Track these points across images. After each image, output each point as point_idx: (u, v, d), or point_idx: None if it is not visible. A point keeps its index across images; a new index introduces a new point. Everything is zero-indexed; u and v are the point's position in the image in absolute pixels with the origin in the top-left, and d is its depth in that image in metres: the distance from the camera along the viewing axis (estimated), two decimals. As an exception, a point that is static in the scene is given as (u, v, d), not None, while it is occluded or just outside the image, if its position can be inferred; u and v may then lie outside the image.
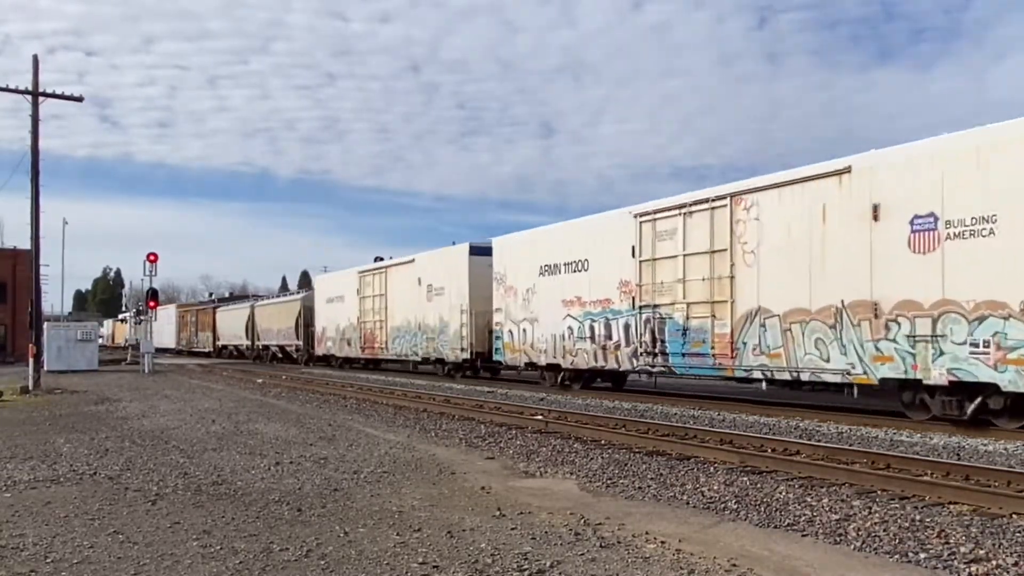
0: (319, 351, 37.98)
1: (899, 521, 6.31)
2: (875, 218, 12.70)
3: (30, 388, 22.96)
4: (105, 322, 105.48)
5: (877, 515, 6.51)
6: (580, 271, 19.81)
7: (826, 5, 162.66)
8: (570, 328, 20.04)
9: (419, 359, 28.54)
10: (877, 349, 12.64)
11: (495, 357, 23.80)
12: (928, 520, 6.34)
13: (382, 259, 34.13)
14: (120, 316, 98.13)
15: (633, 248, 17.79)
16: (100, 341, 56.26)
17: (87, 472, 9.00)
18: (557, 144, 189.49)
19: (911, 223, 12.18)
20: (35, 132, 24.12)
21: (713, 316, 15.71)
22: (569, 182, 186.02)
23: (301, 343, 40.82)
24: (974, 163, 11.44)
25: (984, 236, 11.25)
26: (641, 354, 17.56)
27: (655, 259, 17.25)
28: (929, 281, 11.89)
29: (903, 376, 12.32)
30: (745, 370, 15.08)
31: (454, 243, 28.10)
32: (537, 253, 21.55)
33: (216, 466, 9.30)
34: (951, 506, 6.85)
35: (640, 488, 7.86)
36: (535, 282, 21.52)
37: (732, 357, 15.25)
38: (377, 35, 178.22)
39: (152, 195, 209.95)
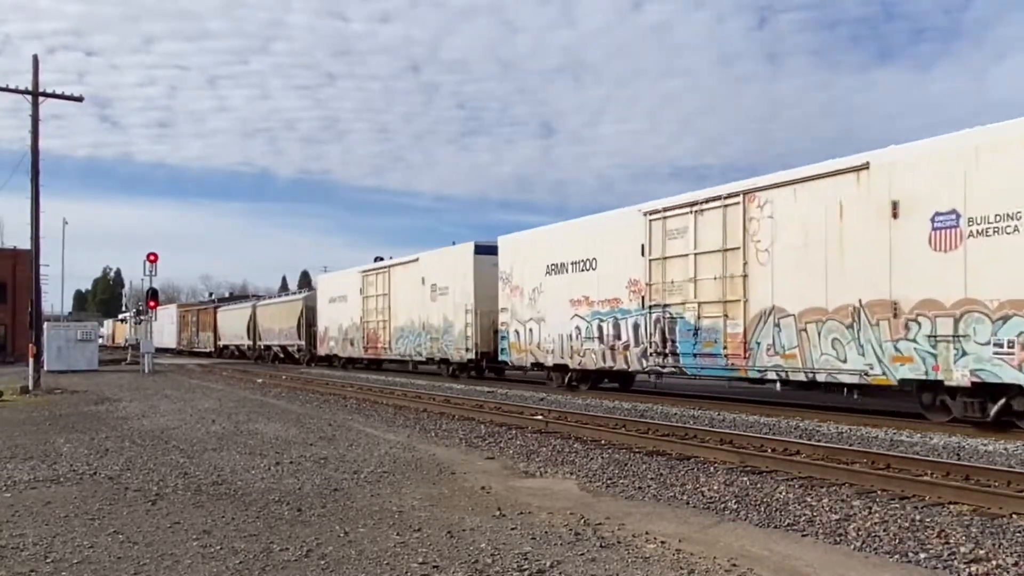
0: (321, 351, 37.76)
1: (899, 521, 6.31)
2: (894, 215, 12.45)
3: (30, 388, 22.96)
4: (105, 322, 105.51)
5: (877, 515, 6.51)
6: (588, 270, 19.56)
7: (826, 5, 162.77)
8: (578, 328, 19.80)
9: (423, 359, 28.31)
10: (896, 349, 12.39)
11: (501, 357, 23.56)
12: (928, 520, 6.34)
13: (382, 259, 34.03)
14: (120, 316, 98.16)
15: (643, 247, 17.56)
16: (100, 341, 56.28)
17: (87, 472, 9.00)
18: (557, 144, 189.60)
19: (932, 220, 11.92)
20: (35, 132, 24.13)
21: (725, 316, 15.48)
22: (569, 182, 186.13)
23: (303, 343, 40.63)
24: (998, 159, 11.18)
25: (1009, 233, 11.01)
26: (651, 354, 17.33)
27: (665, 258, 17.03)
28: (951, 280, 11.63)
29: (923, 377, 12.07)
30: (759, 371, 14.83)
31: (454, 243, 28.01)
32: (544, 252, 21.30)
33: (216, 466, 9.30)
34: (951, 506, 6.85)
35: (640, 488, 7.86)
36: (542, 281, 21.27)
37: (745, 357, 15.03)
38: (377, 35, 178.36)
39: (152, 195, 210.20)
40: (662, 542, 5.73)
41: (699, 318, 16.11)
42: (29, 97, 24.04)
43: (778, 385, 14.75)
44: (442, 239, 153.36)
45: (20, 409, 17.67)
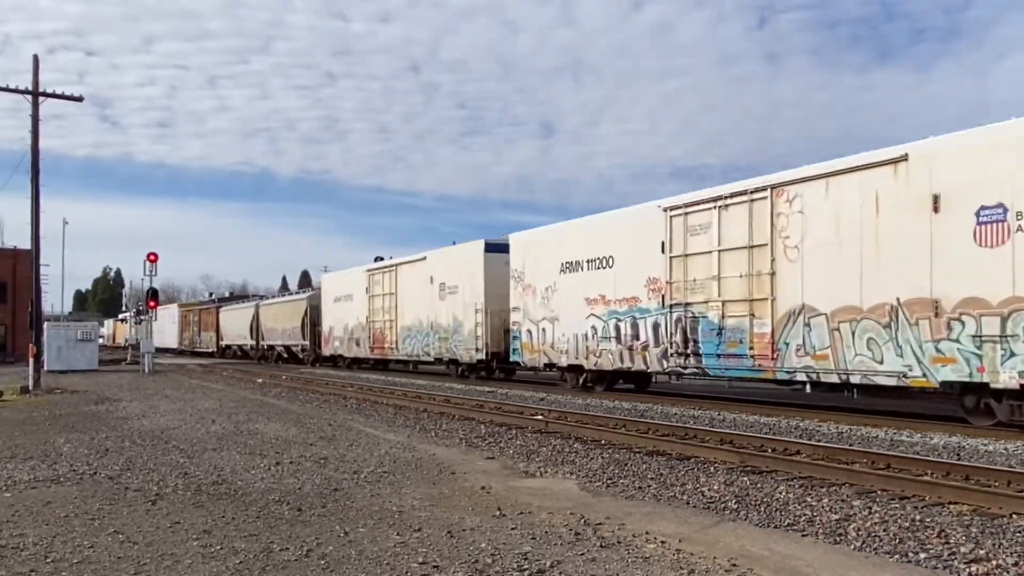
0: (326, 351, 37.29)
1: (899, 521, 6.31)
2: (935, 209, 11.90)
3: (30, 388, 22.97)
4: (106, 322, 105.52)
5: (877, 515, 6.51)
6: (604, 268, 19.01)
7: (826, 5, 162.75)
8: (593, 328, 19.30)
9: (431, 359, 27.88)
10: (938, 350, 11.86)
11: (512, 358, 23.02)
12: (928, 520, 6.34)
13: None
14: (120, 316, 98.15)
15: (663, 243, 16.99)
16: (100, 341, 56.25)
17: (87, 472, 9.01)
18: (557, 144, 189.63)
19: (977, 214, 11.38)
20: (35, 132, 24.13)
21: (752, 315, 14.95)
22: (569, 182, 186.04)
23: (307, 343, 40.26)
24: None
25: None
26: (672, 355, 16.81)
27: (687, 255, 16.48)
28: (998, 276, 11.09)
29: (967, 379, 11.53)
30: (788, 372, 14.27)
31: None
32: (558, 249, 20.75)
33: (216, 466, 9.30)
34: (951, 506, 6.85)
35: (640, 488, 7.86)
36: (556, 280, 20.73)
37: (773, 358, 14.49)
38: (377, 35, 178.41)
39: (152, 195, 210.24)
40: (662, 542, 5.73)
41: (723, 317, 15.57)
42: (29, 97, 24.05)
43: (808, 387, 14.19)
44: (442, 239, 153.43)
45: (20, 409, 17.68)
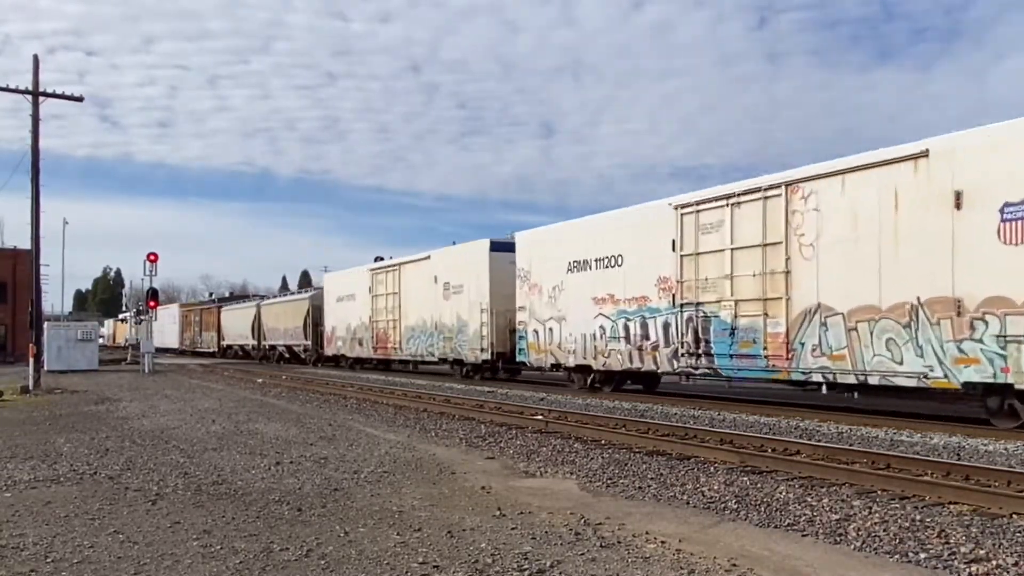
0: (329, 351, 37.05)
1: (899, 521, 6.31)
2: (957, 206, 11.62)
3: (30, 388, 22.97)
4: (106, 322, 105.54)
5: (877, 515, 6.51)
6: (613, 267, 18.74)
7: (826, 5, 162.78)
8: (602, 327, 19.02)
9: (435, 360, 27.62)
10: (960, 350, 11.59)
11: (518, 358, 22.72)
12: (928, 520, 6.34)
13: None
14: (120, 316, 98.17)
15: (673, 242, 16.71)
16: (101, 341, 56.23)
17: (87, 472, 9.01)
18: (557, 144, 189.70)
19: (1001, 211, 11.13)
20: (35, 132, 24.14)
21: (765, 314, 14.69)
22: (569, 182, 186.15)
23: (310, 343, 40.00)
24: None
25: None
26: (682, 355, 16.52)
27: (698, 253, 16.19)
28: (1023, 275, 10.89)
29: (991, 380, 11.29)
30: (803, 373, 14.00)
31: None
32: (565, 248, 20.46)
33: (216, 466, 9.30)
34: (951, 506, 6.85)
35: (640, 488, 7.86)
36: (563, 279, 20.46)
37: (787, 359, 14.22)
38: (377, 35, 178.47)
39: (152, 195, 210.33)
40: (662, 542, 5.73)
41: (736, 317, 15.30)
42: (29, 97, 24.06)
43: (824, 388, 13.93)
44: (442, 239, 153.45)
45: (20, 409, 17.68)
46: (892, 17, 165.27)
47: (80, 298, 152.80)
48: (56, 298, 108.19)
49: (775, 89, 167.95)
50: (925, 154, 12.16)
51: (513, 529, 6.17)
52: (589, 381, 19.95)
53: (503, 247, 24.01)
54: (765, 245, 14.74)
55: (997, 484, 7.51)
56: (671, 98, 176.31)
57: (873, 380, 12.85)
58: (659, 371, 17.73)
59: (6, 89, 24.15)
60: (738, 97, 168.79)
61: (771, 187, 14.70)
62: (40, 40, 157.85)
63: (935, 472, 8.13)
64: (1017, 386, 11.08)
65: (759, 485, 7.86)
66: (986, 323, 11.33)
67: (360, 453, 10.19)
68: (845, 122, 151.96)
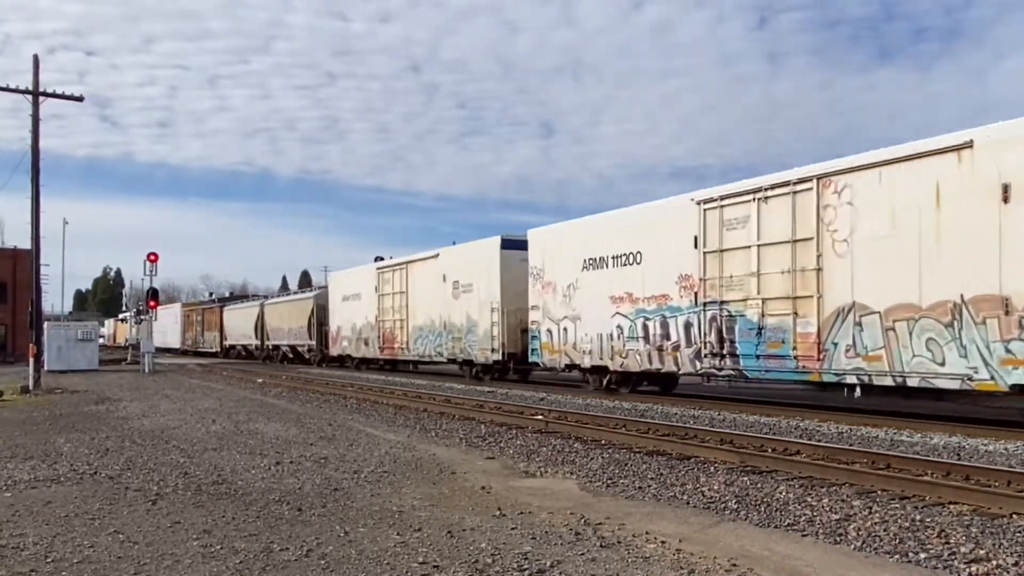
0: (334, 351, 36.53)
1: (899, 521, 6.31)
2: (1005, 200, 11.10)
3: (30, 388, 22.98)
4: (106, 322, 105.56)
5: (877, 515, 6.52)
6: (631, 264, 18.14)
7: (826, 5, 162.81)
8: (619, 327, 18.45)
9: (444, 360, 27.15)
10: (1008, 351, 11.04)
11: (531, 358, 22.15)
12: (928, 520, 6.34)
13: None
14: (121, 316, 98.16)
15: (695, 238, 16.15)
16: (101, 341, 56.17)
17: (87, 472, 9.01)
18: (557, 144, 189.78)
19: None
20: (35, 132, 24.14)
21: (795, 313, 14.12)
22: (569, 182, 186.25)
23: (314, 343, 39.51)
24: None
25: None
26: (705, 355, 15.94)
27: (722, 250, 15.60)
28: None
29: None
30: (836, 374, 13.44)
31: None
32: (580, 246, 19.87)
33: (216, 466, 9.30)
34: (951, 506, 6.85)
35: (640, 488, 7.87)
36: (578, 277, 19.87)
37: (819, 359, 13.67)
38: (377, 35, 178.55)
39: (152, 195, 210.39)
40: (662, 542, 5.73)
41: (763, 316, 14.71)
42: (29, 97, 24.06)
43: (858, 390, 13.32)
44: (442, 239, 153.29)
45: (20, 409, 17.68)
46: (892, 17, 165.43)
47: (80, 298, 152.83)
48: (56, 298, 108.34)
49: (775, 89, 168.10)
50: (969, 145, 11.57)
51: (513, 529, 6.17)
52: (605, 382, 19.47)
53: (514, 245, 23.38)
54: (795, 241, 14.20)
55: (997, 484, 7.51)
56: (671, 98, 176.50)
57: (912, 382, 12.29)
58: (680, 372, 17.20)
59: (6, 89, 24.16)
60: (738, 97, 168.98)
61: (801, 181, 14.13)
62: (40, 40, 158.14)
63: (935, 472, 8.12)
64: None
65: (759, 485, 7.86)
66: None
67: (360, 453, 10.19)
68: (845, 122, 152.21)
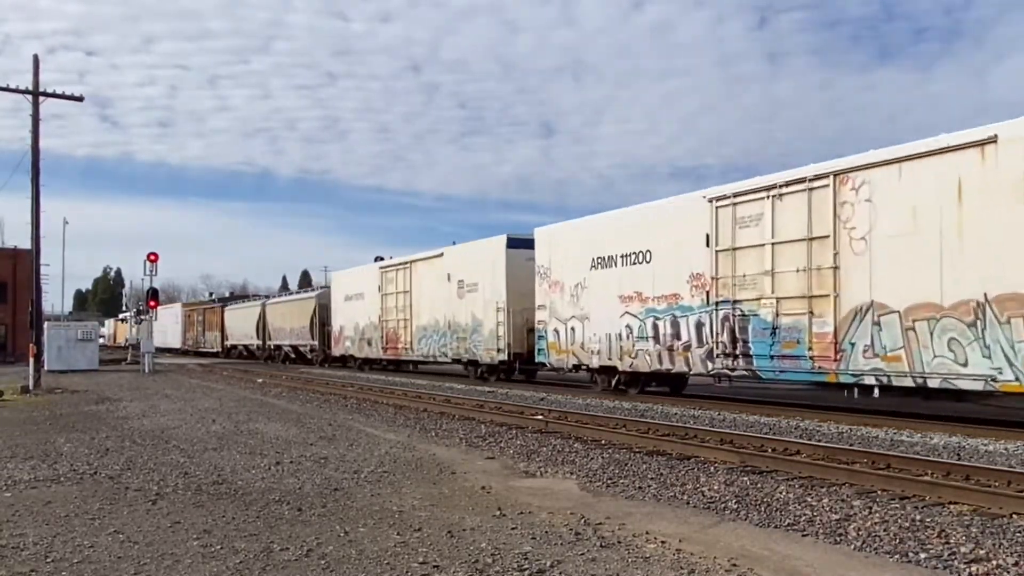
0: (336, 351, 36.29)
1: (899, 521, 6.31)
2: None
3: (30, 388, 22.97)
4: (107, 322, 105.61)
5: (877, 515, 6.52)
6: (641, 263, 17.88)
7: (826, 5, 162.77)
8: (629, 327, 18.19)
9: (448, 360, 26.93)
10: None
11: (538, 359, 21.84)
12: (928, 520, 6.34)
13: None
14: (121, 316, 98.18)
15: (707, 236, 15.89)
16: (101, 341, 56.12)
17: (87, 472, 9.01)
18: (557, 144, 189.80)
19: None
20: (35, 132, 24.14)
21: (811, 312, 13.85)
22: (569, 182, 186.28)
23: (316, 343, 39.30)
24: None
25: None
26: (717, 356, 15.68)
27: (735, 248, 15.32)
28: None
29: None
30: (853, 375, 13.16)
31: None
32: (588, 244, 19.62)
33: (216, 466, 9.30)
34: (951, 506, 6.85)
35: (640, 488, 7.87)
36: (586, 276, 19.61)
37: (836, 360, 13.39)
38: (377, 35, 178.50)
39: (152, 195, 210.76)
40: (662, 542, 5.73)
41: (777, 316, 14.45)
42: (29, 97, 24.06)
43: (876, 391, 13.04)
44: (442, 239, 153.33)
45: (20, 409, 17.68)
46: (892, 17, 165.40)
47: (80, 298, 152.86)
48: (56, 298, 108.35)
49: (775, 89, 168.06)
50: (993, 140, 11.30)
51: (513, 529, 6.17)
52: (614, 383, 19.20)
53: (520, 243, 23.15)
54: (810, 239, 13.93)
55: (997, 484, 7.51)
56: (671, 98, 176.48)
57: (933, 383, 12.03)
58: (691, 372, 16.92)
59: (6, 89, 24.16)
60: (738, 97, 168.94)
61: (817, 177, 13.88)
62: (40, 40, 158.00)
63: (935, 472, 8.12)
64: None
65: (759, 485, 7.86)
66: None
67: (360, 453, 10.19)
68: (846, 122, 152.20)
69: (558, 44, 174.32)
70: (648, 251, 17.77)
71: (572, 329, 20.23)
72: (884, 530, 6.04)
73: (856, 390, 13.45)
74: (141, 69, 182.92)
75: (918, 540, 5.76)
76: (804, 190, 14.08)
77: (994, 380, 11.24)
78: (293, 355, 43.48)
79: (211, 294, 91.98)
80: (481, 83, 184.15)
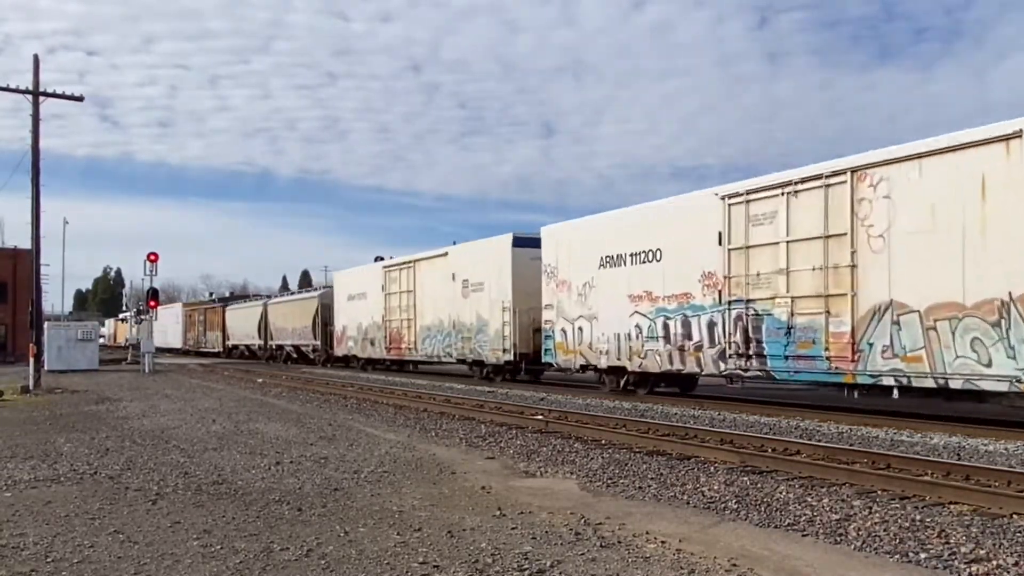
0: (339, 351, 35.92)
1: (899, 521, 6.31)
2: None
3: (31, 388, 22.97)
4: (107, 322, 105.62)
5: (877, 515, 6.51)
6: (650, 262, 17.60)
7: (826, 5, 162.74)
8: (638, 326, 17.90)
9: (453, 360, 26.61)
10: None
11: (544, 359, 21.55)
12: (928, 520, 6.34)
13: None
14: (121, 316, 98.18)
15: (720, 234, 15.61)
16: (101, 341, 56.10)
17: (88, 472, 9.01)
18: (557, 144, 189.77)
19: None
20: (35, 132, 24.14)
21: (827, 312, 13.55)
22: (569, 182, 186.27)
23: (319, 343, 39.14)
24: None
25: None
26: (730, 356, 15.38)
27: (749, 247, 15.03)
28: None
29: None
30: (871, 376, 12.86)
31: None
32: (596, 243, 19.32)
33: (216, 466, 9.30)
34: (951, 506, 6.85)
35: (640, 488, 7.87)
36: (594, 275, 19.31)
37: (853, 360, 13.10)
38: (378, 35, 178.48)
39: (152, 195, 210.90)
40: (662, 542, 5.73)
41: (792, 315, 14.16)
42: (29, 97, 24.05)
43: (895, 392, 12.79)
44: (442, 239, 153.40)
45: (20, 409, 17.68)
46: (893, 17, 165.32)
47: (80, 298, 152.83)
48: (56, 298, 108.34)
49: (775, 89, 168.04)
50: (1018, 135, 11.00)
51: (513, 529, 6.17)
52: (622, 383, 18.92)
53: (526, 242, 22.87)
54: (827, 237, 13.62)
55: (997, 484, 7.51)
56: (671, 98, 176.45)
57: (955, 384, 11.72)
58: (703, 373, 16.61)
59: (6, 89, 24.15)
60: (738, 97, 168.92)
61: (834, 174, 13.56)
62: (40, 40, 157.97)
63: (935, 472, 8.12)
64: None
65: (759, 485, 7.86)
66: None
67: (360, 453, 10.20)
68: (846, 122, 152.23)
69: (558, 44, 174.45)
70: (658, 249, 17.50)
71: (580, 329, 19.97)
72: (884, 530, 6.04)
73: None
74: (141, 69, 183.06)
75: (918, 540, 5.76)
76: (821, 187, 13.80)
77: (1019, 381, 11.00)
78: (295, 355, 43.32)
79: (211, 294, 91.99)
80: (481, 83, 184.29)
